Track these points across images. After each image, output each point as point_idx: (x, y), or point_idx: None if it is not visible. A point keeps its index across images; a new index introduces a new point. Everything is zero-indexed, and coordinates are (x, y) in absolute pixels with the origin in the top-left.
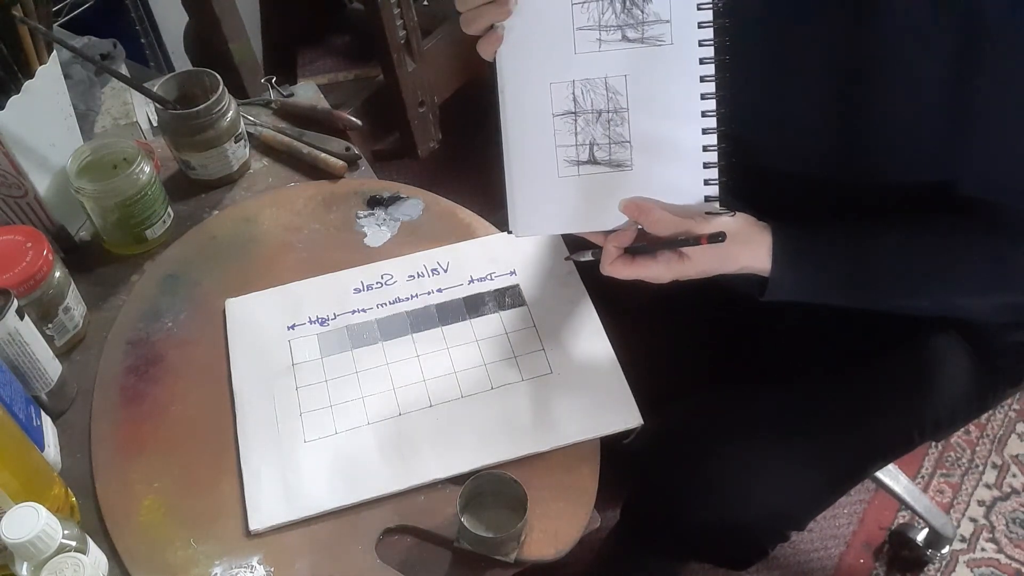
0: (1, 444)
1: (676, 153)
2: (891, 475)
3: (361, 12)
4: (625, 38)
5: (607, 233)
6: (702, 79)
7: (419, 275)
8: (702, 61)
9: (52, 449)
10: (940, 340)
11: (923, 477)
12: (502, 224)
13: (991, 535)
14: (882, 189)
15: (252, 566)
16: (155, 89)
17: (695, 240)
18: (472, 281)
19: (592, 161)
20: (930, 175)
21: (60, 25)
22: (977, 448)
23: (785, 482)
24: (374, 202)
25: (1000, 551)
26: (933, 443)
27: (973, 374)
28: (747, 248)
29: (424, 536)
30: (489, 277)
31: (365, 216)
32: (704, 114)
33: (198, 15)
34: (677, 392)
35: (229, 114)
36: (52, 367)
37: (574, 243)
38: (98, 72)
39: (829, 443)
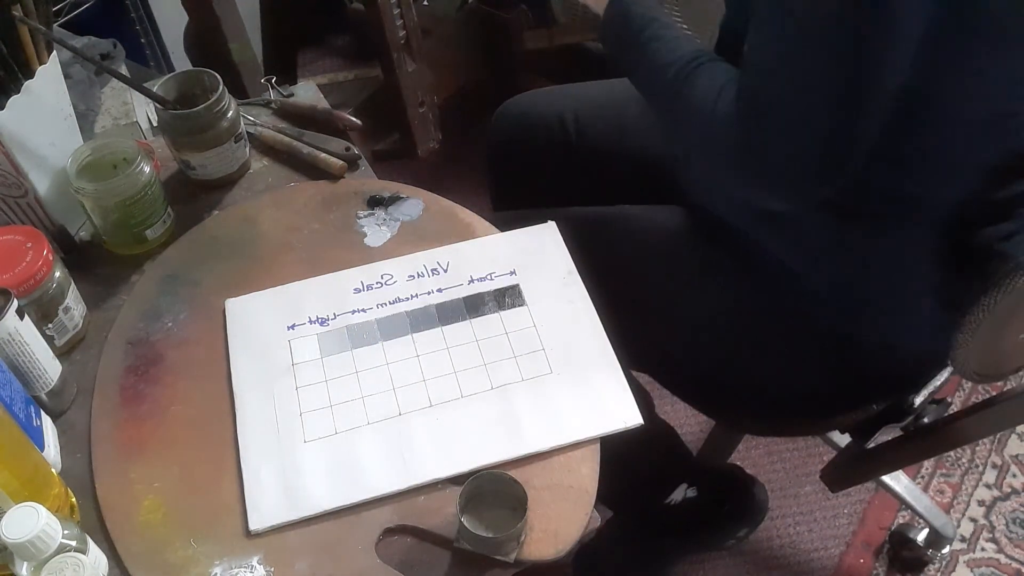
0: (1, 444)
1: None
2: (891, 475)
3: (361, 12)
4: None
5: None
6: None
7: (419, 275)
8: None
9: (52, 449)
10: None
11: (923, 477)
12: (502, 224)
13: (991, 535)
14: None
15: (252, 566)
16: (155, 89)
17: None
18: (472, 281)
19: None
20: None
21: (60, 25)
22: (977, 448)
23: None
24: (374, 202)
25: (1000, 551)
26: None
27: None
28: None
29: (424, 536)
30: (489, 277)
31: (365, 216)
32: None
33: (198, 15)
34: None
35: (229, 114)
36: (52, 367)
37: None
38: (98, 72)
39: None
